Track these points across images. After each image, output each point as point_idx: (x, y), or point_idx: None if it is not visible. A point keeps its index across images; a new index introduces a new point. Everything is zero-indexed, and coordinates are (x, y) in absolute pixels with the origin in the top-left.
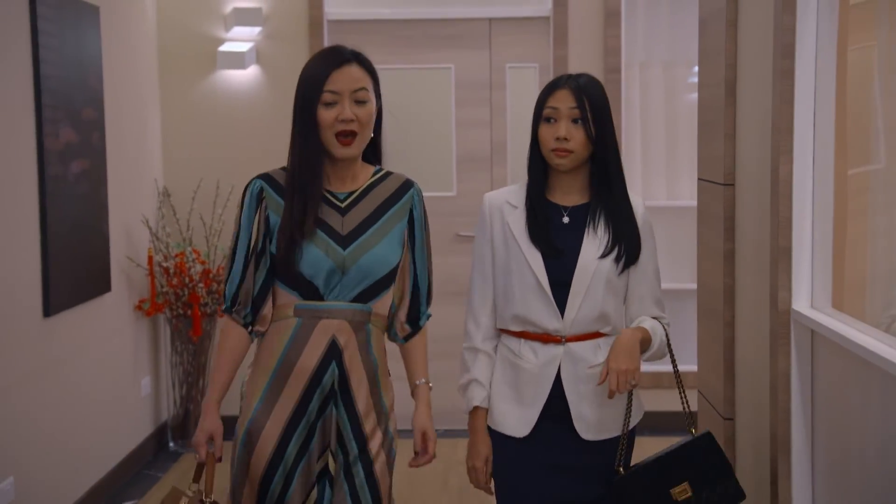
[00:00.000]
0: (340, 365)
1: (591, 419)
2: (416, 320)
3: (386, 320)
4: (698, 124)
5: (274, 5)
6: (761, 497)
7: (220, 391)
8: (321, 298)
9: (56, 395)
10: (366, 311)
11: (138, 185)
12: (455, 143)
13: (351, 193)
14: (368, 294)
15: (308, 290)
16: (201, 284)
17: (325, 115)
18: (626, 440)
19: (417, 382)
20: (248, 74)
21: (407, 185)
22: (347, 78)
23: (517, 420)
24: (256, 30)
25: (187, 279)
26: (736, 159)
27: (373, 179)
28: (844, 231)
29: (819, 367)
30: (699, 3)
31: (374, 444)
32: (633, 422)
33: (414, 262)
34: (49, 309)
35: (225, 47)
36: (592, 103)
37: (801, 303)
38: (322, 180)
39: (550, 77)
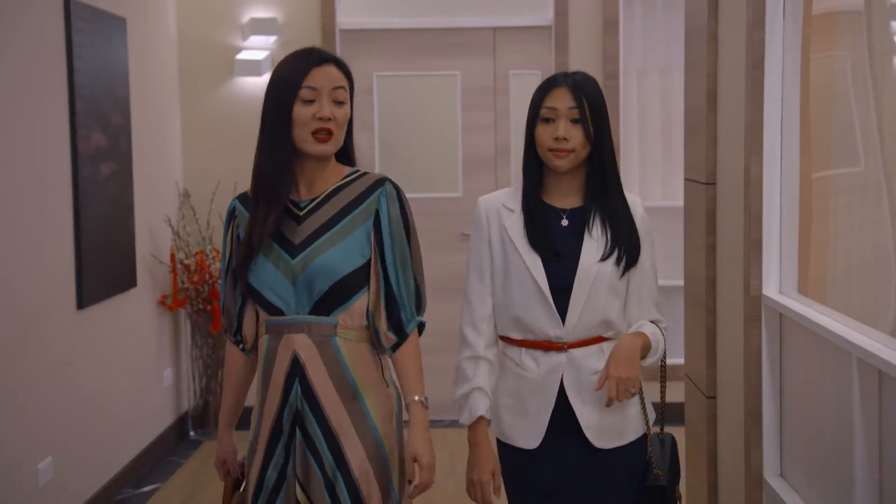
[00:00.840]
0: (304, 381)
1: (602, 426)
2: (400, 328)
3: (364, 330)
4: (685, 129)
5: (288, 15)
6: (737, 464)
7: (230, 415)
8: (282, 313)
9: (88, 383)
10: (329, 324)
11: (161, 186)
12: (461, 146)
13: (312, 200)
14: (328, 304)
15: (269, 306)
16: (220, 281)
17: (303, 111)
18: (629, 445)
19: (409, 401)
20: (264, 81)
21: (377, 184)
22: (327, 76)
23: (524, 433)
24: (272, 39)
25: (207, 276)
26: (717, 161)
27: (341, 182)
28: (809, 225)
29: (787, 346)
30: (685, 18)
31: (358, 464)
32: (643, 426)
33: (384, 266)
34: (82, 301)
35: (242, 55)
36: (591, 102)
37: (770, 289)
38: (290, 186)
39: None
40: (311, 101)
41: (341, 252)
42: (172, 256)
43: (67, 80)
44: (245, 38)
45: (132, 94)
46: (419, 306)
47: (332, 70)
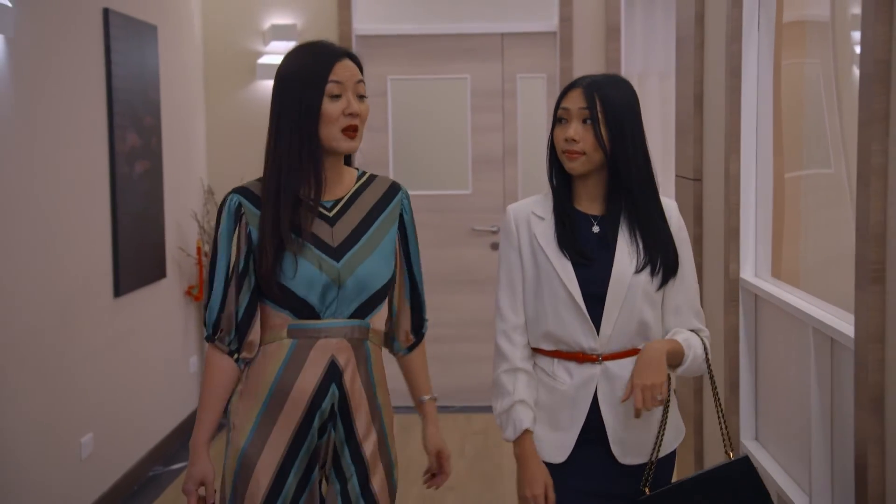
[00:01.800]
0: (341, 387)
1: (630, 442)
2: (419, 329)
3: (382, 335)
4: (675, 130)
5: (307, 22)
6: (718, 430)
7: (209, 430)
8: (317, 316)
9: (124, 366)
10: (364, 328)
11: (187, 183)
12: (471, 146)
13: (338, 201)
14: (366, 308)
15: (302, 309)
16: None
17: (331, 107)
18: (657, 461)
19: (423, 399)
20: None
21: (394, 188)
22: (350, 70)
23: (552, 445)
24: (292, 44)
25: None
26: (703, 159)
27: (358, 184)
28: (783, 217)
29: (761, 323)
30: (676, 28)
31: (375, 471)
32: (672, 443)
33: (411, 269)
34: (119, 290)
35: (263, 60)
36: (606, 103)
37: (747, 272)
38: (319, 185)
39: (557, 86)
40: (338, 97)
41: (381, 257)
42: (199, 249)
43: (106, 84)
44: (266, 43)
45: (162, 97)
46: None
47: (351, 65)
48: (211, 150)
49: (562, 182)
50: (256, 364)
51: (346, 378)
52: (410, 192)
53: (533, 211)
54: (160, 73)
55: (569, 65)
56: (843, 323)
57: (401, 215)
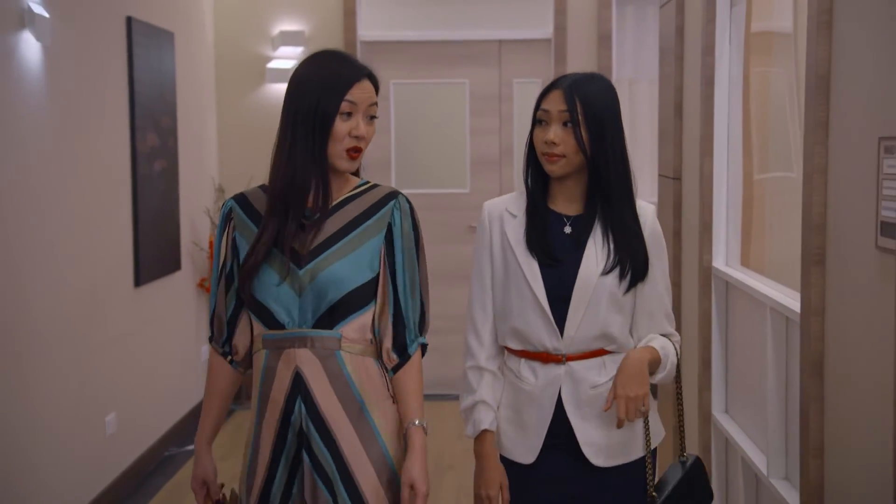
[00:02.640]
0: (308, 399)
1: (601, 443)
2: (403, 349)
3: (369, 344)
4: (658, 133)
5: (315, 28)
6: (694, 404)
7: (210, 430)
8: (282, 326)
9: (143, 351)
10: (333, 338)
11: (199, 181)
12: (469, 148)
13: (319, 210)
14: (332, 317)
15: (269, 319)
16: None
17: (341, 127)
18: (631, 463)
19: (409, 425)
20: None
21: (388, 197)
22: (366, 92)
23: (521, 446)
24: (299, 49)
25: None
26: (682, 160)
27: (352, 193)
28: (751, 211)
29: (731, 306)
30: (659, 40)
31: (369, 486)
32: (655, 442)
33: (394, 284)
34: (139, 280)
35: (272, 64)
36: (586, 104)
37: (719, 262)
38: (330, 198)
39: None
40: (349, 116)
41: (350, 264)
42: (211, 244)
43: (128, 88)
44: (275, 48)
45: (178, 99)
46: (423, 326)
47: (368, 86)
48: (222, 150)
49: (538, 181)
50: (252, 373)
51: (314, 390)
52: (411, 191)
53: (507, 208)
54: (176, 77)
55: (563, 70)
56: (795, 302)
57: (389, 225)
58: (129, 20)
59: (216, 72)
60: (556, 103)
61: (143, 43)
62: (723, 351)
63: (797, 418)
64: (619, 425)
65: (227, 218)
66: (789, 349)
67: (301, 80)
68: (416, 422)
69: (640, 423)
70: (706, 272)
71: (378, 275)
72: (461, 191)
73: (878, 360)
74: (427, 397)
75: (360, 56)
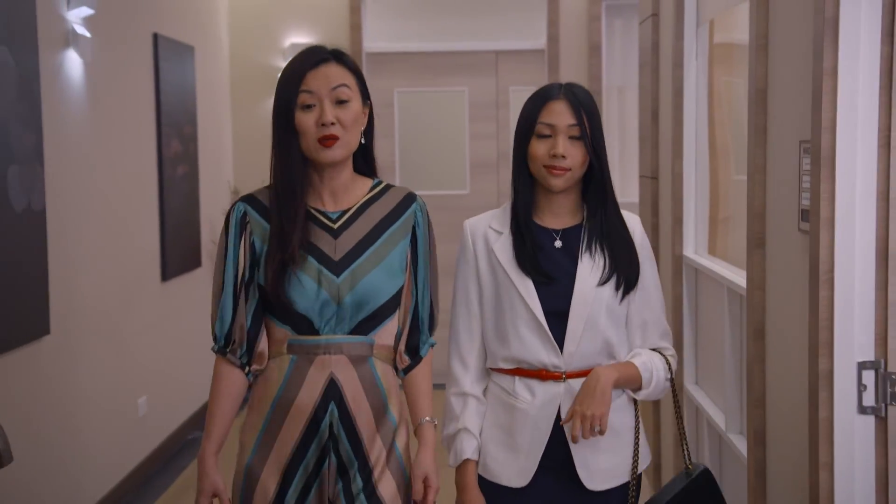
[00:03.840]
0: (341, 405)
1: (596, 467)
2: (415, 350)
3: (391, 351)
4: (639, 138)
5: (323, 41)
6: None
7: (217, 442)
8: (316, 332)
9: (170, 340)
10: (367, 344)
11: (217, 184)
12: (468, 151)
13: (345, 212)
14: (368, 324)
15: (301, 324)
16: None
17: (304, 119)
18: (620, 486)
19: (421, 422)
20: None
21: (409, 199)
22: (325, 77)
23: (511, 469)
24: None
25: None
26: (659, 161)
27: (370, 195)
28: (717, 206)
29: (699, 290)
30: (639, 54)
31: (389, 496)
32: (642, 465)
33: (416, 287)
34: (165, 275)
35: None
36: (590, 117)
37: (689, 251)
38: (305, 197)
39: None
40: (311, 107)
41: (385, 272)
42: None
43: (155, 98)
44: (286, 59)
45: (198, 109)
46: (432, 326)
47: (330, 69)
48: (237, 155)
49: (526, 195)
50: (261, 379)
51: (348, 397)
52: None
53: (490, 225)
54: (196, 88)
55: (556, 78)
56: (743, 280)
57: (413, 229)
58: (155, 36)
59: (231, 82)
60: (563, 117)
61: (168, 57)
62: (693, 330)
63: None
64: (574, 441)
65: (242, 223)
66: (742, 320)
67: (277, 85)
68: (428, 419)
69: (630, 444)
70: (678, 261)
71: (405, 280)
72: (461, 192)
73: (799, 323)
74: None
75: (365, 67)
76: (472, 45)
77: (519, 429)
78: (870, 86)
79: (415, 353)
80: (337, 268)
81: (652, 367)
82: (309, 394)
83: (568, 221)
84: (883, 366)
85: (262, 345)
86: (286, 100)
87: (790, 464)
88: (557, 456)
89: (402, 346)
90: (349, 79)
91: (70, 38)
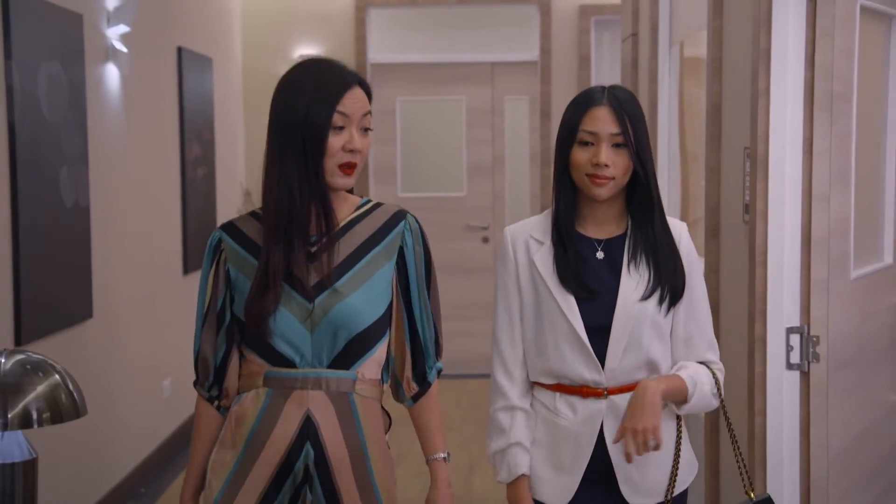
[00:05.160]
0: (317, 445)
1: (640, 482)
2: (423, 376)
3: (377, 385)
4: None
5: (330, 52)
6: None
7: (193, 485)
8: (293, 365)
9: (190, 330)
10: (348, 379)
11: (231, 185)
12: (465, 156)
13: (324, 234)
14: (349, 356)
15: (276, 356)
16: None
17: (334, 141)
18: (670, 501)
19: (433, 457)
20: None
21: (397, 217)
22: (358, 101)
23: (554, 487)
24: None
25: None
26: None
27: (356, 214)
28: (688, 209)
29: None
30: (620, 70)
31: None
32: (685, 480)
33: (409, 309)
34: (186, 269)
35: None
36: (634, 124)
37: None
38: (333, 222)
39: (539, 107)
40: (342, 129)
41: (365, 296)
42: None
43: (178, 106)
44: None
45: (216, 115)
46: (438, 351)
47: (360, 94)
48: (248, 159)
49: (568, 204)
50: (233, 413)
51: (325, 437)
52: (414, 195)
53: (531, 234)
54: (214, 96)
55: (548, 89)
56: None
57: (400, 248)
58: (179, 50)
59: (244, 90)
60: (606, 124)
61: (190, 68)
62: None
63: None
64: (628, 460)
65: (216, 250)
66: None
67: (288, 88)
68: (440, 454)
69: (673, 459)
70: None
71: (391, 303)
72: (458, 194)
73: (741, 297)
74: None
75: (370, 76)
76: (469, 57)
77: (561, 446)
78: (795, 103)
79: (422, 380)
80: (311, 293)
81: (696, 380)
82: (283, 431)
83: (611, 231)
84: (806, 330)
85: (230, 379)
86: (318, 117)
87: (734, 411)
88: (600, 472)
89: (409, 374)
90: (370, 107)
91: (110, 53)
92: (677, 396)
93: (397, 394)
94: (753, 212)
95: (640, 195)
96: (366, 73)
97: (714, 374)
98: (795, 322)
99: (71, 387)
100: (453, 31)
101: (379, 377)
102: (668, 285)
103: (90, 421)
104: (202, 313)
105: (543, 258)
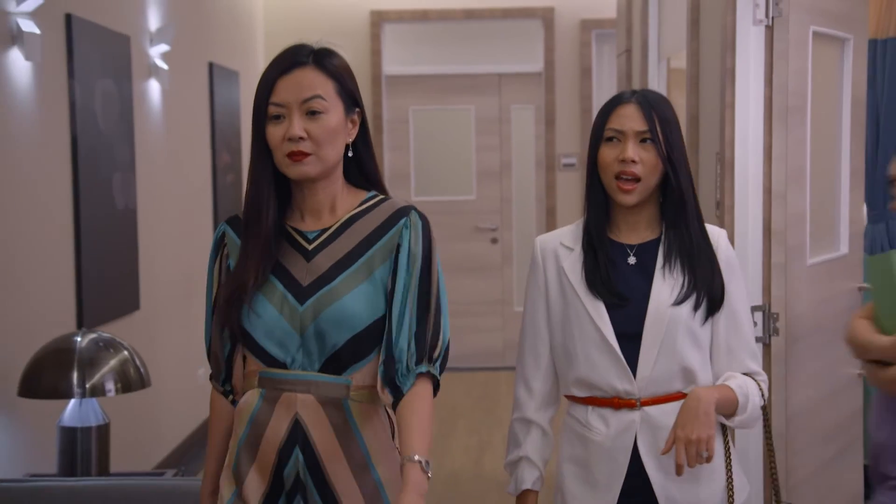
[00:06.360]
0: (308, 450)
1: (683, 499)
2: (393, 385)
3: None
4: None
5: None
6: None
7: (213, 480)
8: (283, 366)
9: None
10: (342, 385)
11: None
12: (474, 161)
13: (323, 231)
14: (341, 360)
15: (267, 357)
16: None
17: (273, 132)
18: None
19: (405, 460)
20: None
21: (400, 213)
22: (295, 85)
23: None
24: None
25: None
26: None
27: (357, 210)
28: None
29: None
30: (616, 80)
31: None
32: (739, 499)
33: (390, 310)
34: None
35: None
36: (662, 119)
37: None
38: (272, 217)
39: (543, 115)
40: (279, 118)
41: (361, 297)
42: None
43: (210, 117)
44: None
45: (242, 125)
46: (421, 357)
47: (304, 76)
48: None
49: (598, 208)
50: (236, 410)
51: (316, 442)
52: (427, 198)
53: (562, 242)
54: (241, 107)
55: (552, 98)
56: None
57: (398, 246)
58: (210, 65)
59: None
60: (632, 121)
61: (220, 82)
62: None
63: None
64: (678, 472)
65: (219, 244)
66: None
67: None
68: (415, 457)
69: (721, 476)
70: None
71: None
72: (468, 197)
73: None
74: None
75: (385, 88)
76: (477, 69)
77: (595, 462)
78: (757, 115)
79: (394, 387)
80: (303, 294)
81: (748, 392)
82: (273, 435)
83: (645, 236)
84: (768, 308)
85: (237, 376)
86: (257, 112)
87: None
88: (638, 488)
89: (378, 380)
90: (326, 86)
91: (152, 70)
92: (728, 408)
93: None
94: (723, 207)
95: (673, 198)
96: (381, 84)
97: (759, 385)
98: (758, 301)
99: (137, 362)
100: (463, 44)
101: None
102: (705, 291)
103: (140, 403)
104: (210, 308)
105: (573, 264)
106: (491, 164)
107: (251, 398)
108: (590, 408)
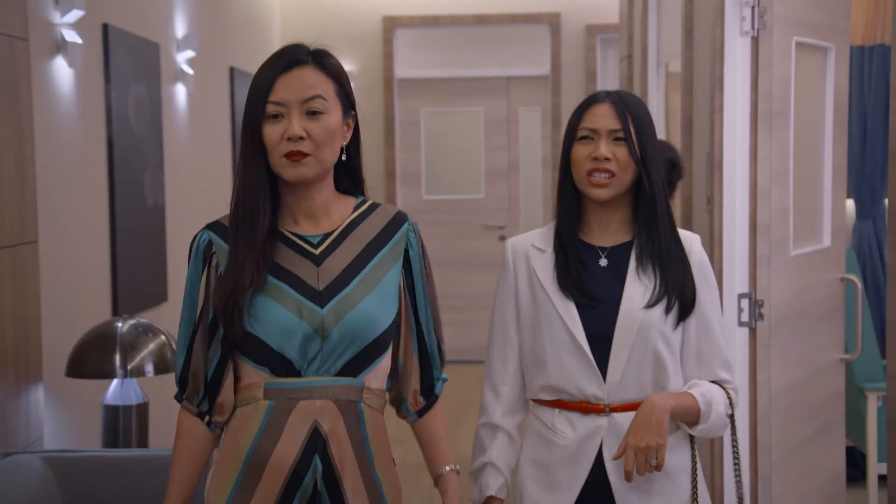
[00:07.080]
0: (326, 458)
1: None
2: (430, 389)
3: (383, 395)
4: None
5: (360, 68)
6: None
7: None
8: (297, 374)
9: None
10: (356, 387)
11: None
12: (483, 161)
13: (327, 236)
14: (358, 364)
15: (280, 365)
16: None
17: (270, 132)
18: None
19: (443, 472)
20: None
21: (399, 219)
22: (297, 84)
23: None
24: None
25: None
26: None
27: (355, 215)
28: (677, 206)
29: None
30: (618, 84)
31: None
32: None
33: (416, 316)
34: None
35: None
36: (636, 119)
37: None
38: (266, 218)
39: (550, 117)
40: (277, 118)
41: (379, 299)
42: None
43: (230, 119)
44: None
45: None
46: (443, 361)
47: (305, 75)
48: None
49: (570, 209)
50: (231, 429)
51: (333, 449)
52: (437, 197)
53: (533, 244)
54: None
55: (558, 100)
56: None
57: (406, 251)
58: (231, 69)
59: None
60: (605, 120)
61: (239, 85)
62: None
63: None
64: (628, 479)
65: (206, 254)
66: None
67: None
68: (449, 467)
69: (685, 489)
70: None
71: (399, 309)
72: (477, 196)
73: None
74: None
75: (397, 91)
76: (486, 72)
77: (557, 466)
78: (743, 119)
79: (429, 393)
80: (321, 298)
81: (711, 400)
82: (289, 446)
83: (617, 238)
84: (753, 296)
85: (225, 395)
86: (253, 109)
87: None
88: (597, 497)
89: (416, 386)
90: (326, 86)
91: (179, 75)
92: (688, 416)
93: (400, 409)
94: (713, 203)
95: (645, 200)
96: (393, 87)
97: (728, 394)
98: (745, 289)
99: (174, 345)
100: (472, 48)
101: (384, 387)
102: (677, 294)
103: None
104: (192, 321)
105: (544, 265)
106: (499, 164)
107: (254, 413)
108: (556, 411)
